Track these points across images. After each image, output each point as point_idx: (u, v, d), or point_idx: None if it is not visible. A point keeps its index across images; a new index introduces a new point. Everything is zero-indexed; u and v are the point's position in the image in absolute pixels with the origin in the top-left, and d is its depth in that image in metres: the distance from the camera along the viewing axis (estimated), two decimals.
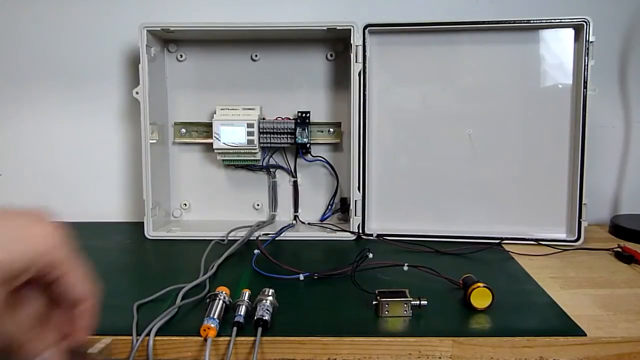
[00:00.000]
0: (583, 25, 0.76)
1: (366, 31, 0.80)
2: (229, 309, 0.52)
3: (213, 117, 0.86)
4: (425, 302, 0.54)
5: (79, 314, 0.33)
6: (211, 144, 0.85)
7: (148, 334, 0.49)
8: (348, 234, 0.83)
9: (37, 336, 0.31)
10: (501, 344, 0.49)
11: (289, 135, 0.86)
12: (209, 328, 0.48)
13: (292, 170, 0.91)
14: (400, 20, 0.80)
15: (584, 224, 0.78)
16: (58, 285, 0.32)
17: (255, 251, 0.70)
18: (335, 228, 0.86)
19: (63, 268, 0.32)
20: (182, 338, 0.49)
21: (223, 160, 0.88)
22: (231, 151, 0.85)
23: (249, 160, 0.88)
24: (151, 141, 0.83)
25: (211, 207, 0.93)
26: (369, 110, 0.82)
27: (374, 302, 0.54)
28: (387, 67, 0.82)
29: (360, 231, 0.83)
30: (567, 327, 0.51)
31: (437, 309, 0.55)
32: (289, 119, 0.88)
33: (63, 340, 0.33)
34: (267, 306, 0.51)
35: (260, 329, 0.49)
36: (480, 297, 0.54)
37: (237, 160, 0.88)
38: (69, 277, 0.32)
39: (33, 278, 0.30)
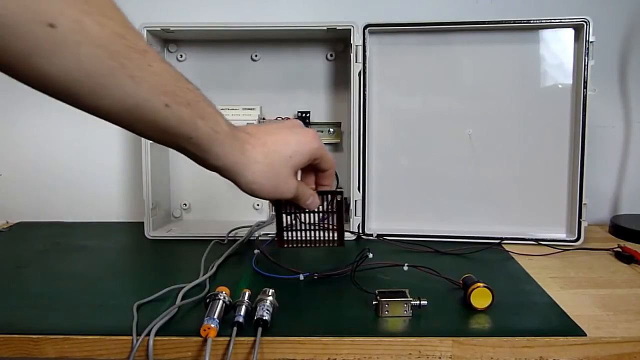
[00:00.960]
0: (583, 25, 0.76)
1: (366, 31, 0.80)
2: (229, 309, 0.52)
3: None
4: (426, 302, 0.54)
5: (329, 174, 0.56)
6: None
7: (148, 334, 0.49)
8: (348, 234, 0.83)
9: (308, 190, 0.54)
10: (501, 344, 0.49)
11: None
12: (209, 328, 0.48)
13: None
14: (400, 20, 0.80)
15: (584, 224, 0.78)
16: (319, 163, 0.54)
17: (255, 251, 0.70)
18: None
19: (322, 154, 0.53)
20: (182, 338, 0.50)
21: None
22: None
23: None
24: (151, 141, 0.82)
25: (211, 207, 0.93)
26: (369, 110, 0.82)
27: (374, 302, 0.54)
28: (387, 67, 0.82)
29: (360, 231, 0.83)
30: (567, 327, 0.51)
31: (437, 309, 0.55)
32: (289, 119, 0.88)
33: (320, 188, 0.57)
34: (267, 306, 0.51)
35: (260, 329, 0.49)
36: (480, 297, 0.54)
37: None
38: (324, 158, 0.54)
39: (310, 162, 0.53)
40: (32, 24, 0.31)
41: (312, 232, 0.56)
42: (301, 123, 0.54)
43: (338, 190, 0.55)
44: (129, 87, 0.36)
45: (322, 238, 0.56)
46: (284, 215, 0.55)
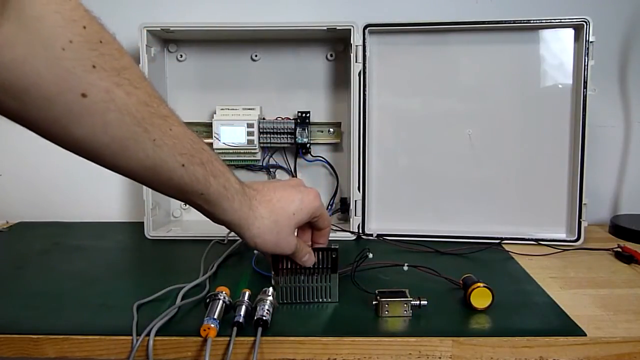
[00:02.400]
0: (583, 25, 0.76)
1: (366, 31, 0.80)
2: (229, 309, 0.52)
3: (213, 117, 0.86)
4: (426, 302, 0.54)
5: (325, 233, 0.58)
6: (211, 144, 0.85)
7: (148, 334, 0.49)
8: (348, 234, 0.83)
9: (306, 247, 0.56)
10: (501, 344, 0.49)
11: (289, 135, 0.86)
12: (209, 328, 0.48)
13: (292, 170, 0.91)
14: (401, 20, 0.80)
15: (584, 224, 0.78)
16: (317, 221, 0.56)
17: (255, 251, 0.70)
18: (335, 228, 0.86)
19: (323, 213, 0.56)
20: (182, 338, 0.50)
21: (223, 160, 0.87)
22: (231, 151, 0.85)
23: (249, 160, 0.88)
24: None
25: None
26: (369, 110, 0.82)
27: (374, 302, 0.54)
28: (387, 67, 0.82)
29: (360, 231, 0.83)
30: (567, 327, 0.51)
31: (437, 309, 0.55)
32: (289, 119, 0.88)
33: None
34: (267, 306, 0.51)
35: (260, 329, 0.49)
36: (480, 297, 0.54)
37: (237, 160, 0.88)
38: (323, 217, 0.56)
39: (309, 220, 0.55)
40: (67, 94, 0.34)
41: (307, 290, 0.57)
42: (304, 182, 0.57)
43: (333, 247, 0.57)
44: (150, 150, 0.40)
45: (317, 297, 0.57)
46: (279, 277, 0.56)
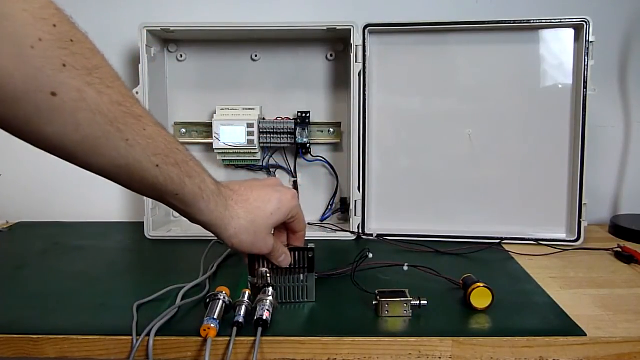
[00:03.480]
0: (583, 25, 0.76)
1: (366, 31, 0.80)
2: (229, 309, 0.52)
3: (213, 117, 0.86)
4: (426, 302, 0.54)
5: (300, 236, 0.58)
6: (211, 144, 0.85)
7: (148, 334, 0.49)
8: (348, 234, 0.83)
9: (282, 247, 0.56)
10: (501, 344, 0.49)
11: (289, 135, 0.86)
12: (209, 328, 0.48)
13: (292, 170, 0.91)
14: (400, 20, 0.80)
15: (584, 224, 0.78)
16: (293, 222, 0.56)
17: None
18: (335, 228, 0.87)
19: (297, 214, 0.56)
20: (182, 338, 0.50)
21: (223, 160, 0.88)
22: (231, 151, 0.85)
23: (249, 160, 0.88)
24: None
25: None
26: (369, 110, 0.82)
27: (374, 302, 0.54)
28: (387, 67, 0.82)
29: (360, 231, 0.83)
30: (567, 327, 0.51)
31: (437, 309, 0.55)
32: (289, 119, 0.88)
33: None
34: (267, 306, 0.51)
35: (260, 329, 0.49)
36: (480, 297, 0.54)
37: (237, 160, 0.88)
38: (299, 219, 0.56)
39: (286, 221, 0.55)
40: (36, 93, 0.34)
41: (285, 290, 0.57)
42: (281, 182, 0.57)
43: (309, 247, 0.57)
44: (122, 149, 0.39)
45: (294, 297, 0.58)
46: (256, 278, 0.56)
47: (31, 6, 0.33)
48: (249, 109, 0.87)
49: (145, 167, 0.41)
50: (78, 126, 0.36)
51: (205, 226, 0.49)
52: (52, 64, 0.34)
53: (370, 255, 0.61)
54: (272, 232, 0.54)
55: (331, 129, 0.89)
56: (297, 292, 0.57)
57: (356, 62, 0.80)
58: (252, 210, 0.50)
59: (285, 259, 0.56)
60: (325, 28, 0.79)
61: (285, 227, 0.57)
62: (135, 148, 0.40)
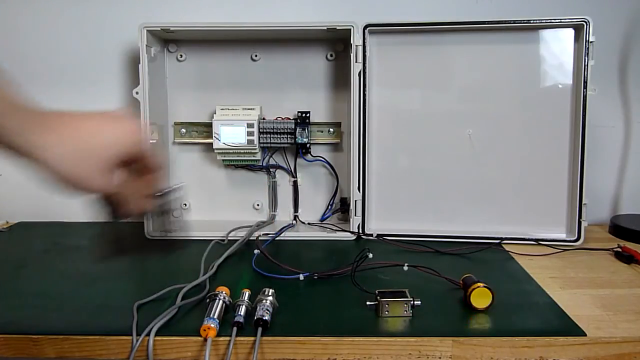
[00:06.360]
0: (583, 25, 0.76)
1: (366, 31, 0.80)
2: (229, 309, 0.52)
3: (213, 117, 0.86)
4: (419, 302, 0.53)
5: (155, 178, 0.50)
6: (211, 144, 0.85)
7: (148, 334, 0.49)
8: (348, 234, 0.83)
9: (132, 193, 0.50)
10: (501, 344, 0.49)
11: (289, 135, 0.86)
12: (209, 328, 0.48)
13: (292, 170, 0.91)
14: (400, 20, 0.80)
15: (584, 224, 0.78)
16: (142, 161, 0.48)
17: (255, 251, 0.70)
18: (335, 228, 0.87)
19: (145, 151, 0.48)
20: (182, 338, 0.50)
21: (223, 160, 0.88)
22: (231, 151, 0.85)
23: (249, 160, 0.88)
24: (151, 141, 0.82)
25: (211, 207, 0.93)
26: (369, 110, 0.82)
27: (373, 302, 0.54)
28: (387, 67, 0.82)
29: (360, 231, 0.83)
30: (567, 327, 0.51)
31: (437, 309, 0.55)
32: (289, 119, 0.88)
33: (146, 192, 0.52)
34: (267, 306, 0.51)
35: (260, 329, 0.49)
36: (480, 297, 0.54)
37: (237, 160, 0.88)
38: (146, 156, 0.48)
39: (129, 158, 0.47)
40: None
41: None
42: (129, 113, 0.49)
43: (175, 187, 0.55)
44: None
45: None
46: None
47: None
48: (249, 109, 0.87)
49: None
50: None
51: (18, 151, 0.46)
52: None
53: (370, 255, 0.61)
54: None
55: (331, 129, 0.89)
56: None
57: (356, 62, 0.80)
58: (78, 139, 0.44)
59: (136, 206, 0.51)
60: (325, 28, 0.79)
61: (140, 172, 0.50)
62: None
